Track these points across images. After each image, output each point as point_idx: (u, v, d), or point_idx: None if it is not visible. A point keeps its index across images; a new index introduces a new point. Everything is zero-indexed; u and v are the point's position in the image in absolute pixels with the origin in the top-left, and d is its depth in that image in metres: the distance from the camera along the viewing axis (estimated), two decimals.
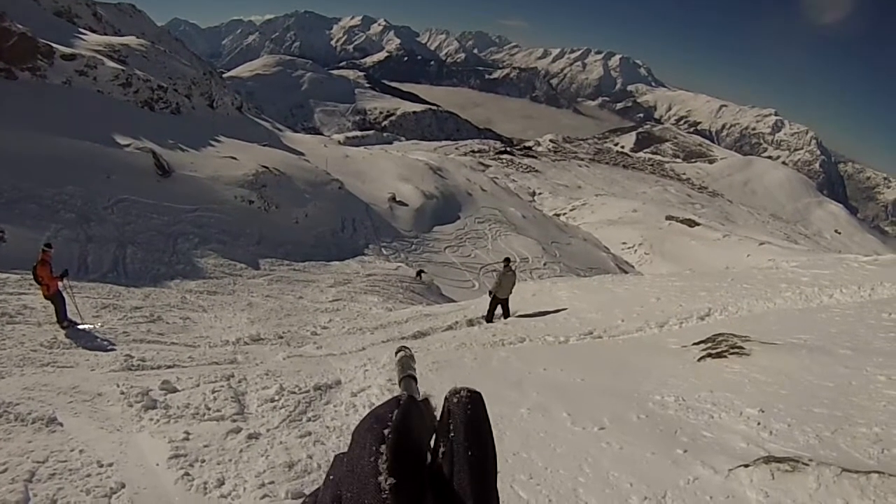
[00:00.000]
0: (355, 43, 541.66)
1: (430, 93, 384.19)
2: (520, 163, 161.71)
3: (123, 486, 4.09)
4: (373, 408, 0.52)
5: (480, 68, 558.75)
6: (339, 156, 40.36)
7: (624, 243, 77.00)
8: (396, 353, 0.89)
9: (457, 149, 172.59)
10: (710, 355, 6.53)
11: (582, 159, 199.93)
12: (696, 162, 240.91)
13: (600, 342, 8.86)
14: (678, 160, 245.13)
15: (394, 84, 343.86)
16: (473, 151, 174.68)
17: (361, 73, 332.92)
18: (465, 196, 42.53)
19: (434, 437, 0.55)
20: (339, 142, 73.41)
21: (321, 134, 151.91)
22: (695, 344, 7.24)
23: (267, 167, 26.75)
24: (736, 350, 6.50)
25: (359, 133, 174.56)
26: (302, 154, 35.80)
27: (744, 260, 74.04)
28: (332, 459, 0.58)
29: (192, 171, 23.85)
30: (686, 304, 10.29)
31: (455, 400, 0.55)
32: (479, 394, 0.56)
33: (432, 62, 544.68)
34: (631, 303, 11.20)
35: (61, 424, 5.01)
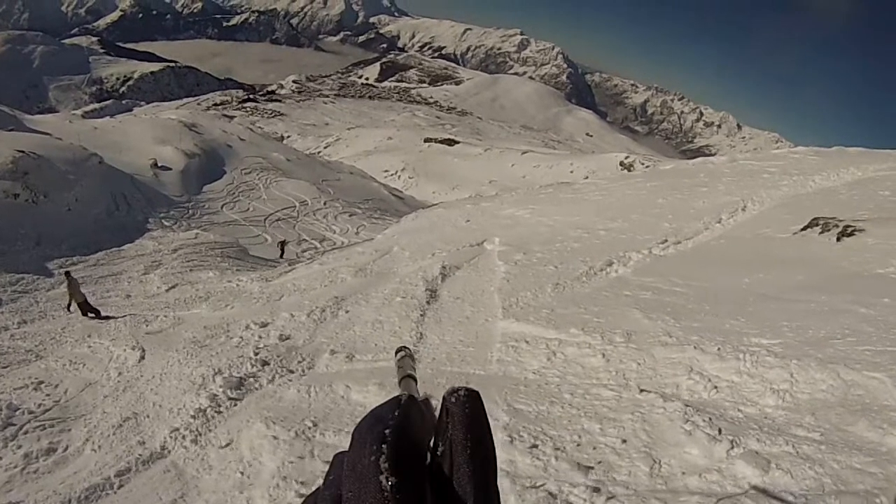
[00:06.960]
0: (87, 5, 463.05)
1: (168, 49, 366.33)
2: (264, 108, 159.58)
3: None
4: (373, 407, 0.53)
5: (218, 16, 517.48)
6: (87, 129, 36.28)
7: (386, 171, 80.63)
8: (396, 353, 0.91)
9: (199, 104, 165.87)
10: (843, 235, 8.75)
11: (327, 96, 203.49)
12: (442, 85, 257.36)
13: (700, 244, 10.32)
14: (424, 85, 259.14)
15: (129, 46, 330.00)
16: (216, 104, 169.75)
17: (95, 39, 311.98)
18: (226, 149, 41.59)
19: (433, 436, 0.56)
20: (81, 116, 66.28)
21: (57, 112, 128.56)
22: (802, 230, 9.43)
23: (23, 151, 23.01)
24: (851, 228, 8.81)
25: (96, 105, 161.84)
26: (50, 134, 30.89)
27: (509, 170, 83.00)
28: (331, 458, 0.58)
29: None
30: (708, 200, 12.44)
31: (453, 399, 0.55)
32: (477, 392, 0.57)
33: (168, 16, 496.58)
34: (640, 207, 12.70)
35: None
